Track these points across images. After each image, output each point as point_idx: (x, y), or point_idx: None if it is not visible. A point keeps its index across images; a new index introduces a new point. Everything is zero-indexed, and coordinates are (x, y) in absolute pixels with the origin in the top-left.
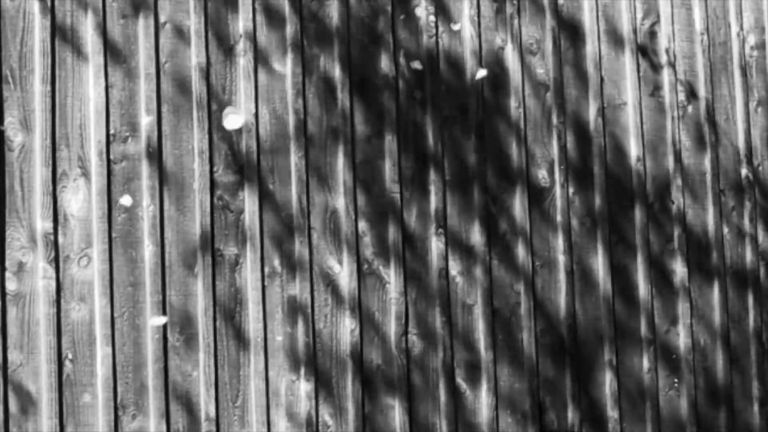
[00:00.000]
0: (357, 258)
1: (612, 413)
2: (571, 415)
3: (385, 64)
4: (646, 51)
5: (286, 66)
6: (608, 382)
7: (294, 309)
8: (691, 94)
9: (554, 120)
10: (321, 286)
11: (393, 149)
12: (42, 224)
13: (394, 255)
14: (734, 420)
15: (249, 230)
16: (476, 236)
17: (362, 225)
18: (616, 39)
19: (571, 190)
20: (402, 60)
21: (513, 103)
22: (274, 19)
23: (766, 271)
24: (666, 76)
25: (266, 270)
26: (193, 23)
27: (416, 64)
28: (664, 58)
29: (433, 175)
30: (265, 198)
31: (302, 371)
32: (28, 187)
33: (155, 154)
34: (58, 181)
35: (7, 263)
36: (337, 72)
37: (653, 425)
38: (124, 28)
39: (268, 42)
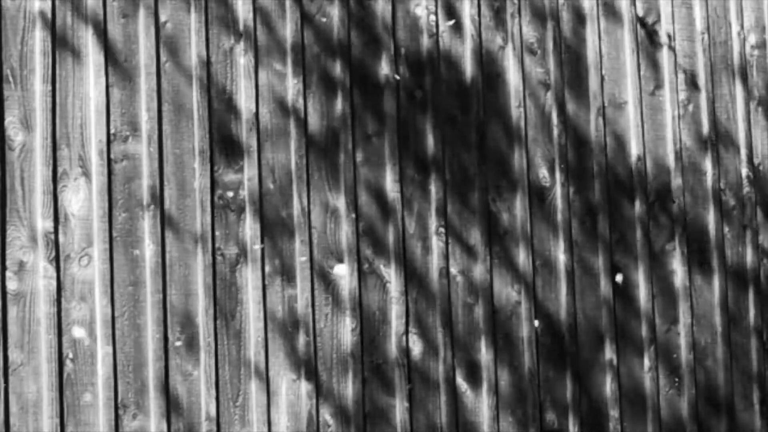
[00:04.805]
0: (357, 257)
1: (612, 413)
2: (572, 415)
3: (385, 63)
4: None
5: (286, 65)
6: (608, 382)
7: (294, 308)
8: (692, 93)
9: (554, 120)
10: (321, 286)
11: (393, 149)
12: (43, 223)
13: (395, 254)
14: (734, 420)
15: (249, 230)
16: (476, 236)
17: (362, 224)
18: (616, 38)
19: (571, 190)
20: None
21: (513, 102)
22: (275, 18)
23: (766, 271)
24: (666, 75)
25: (266, 269)
26: (194, 23)
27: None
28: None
29: (433, 175)
30: (266, 197)
31: (303, 371)
32: (29, 187)
33: (156, 154)
34: (59, 181)
35: (8, 262)
36: (337, 71)
37: (653, 425)
38: (125, 27)
39: (268, 41)
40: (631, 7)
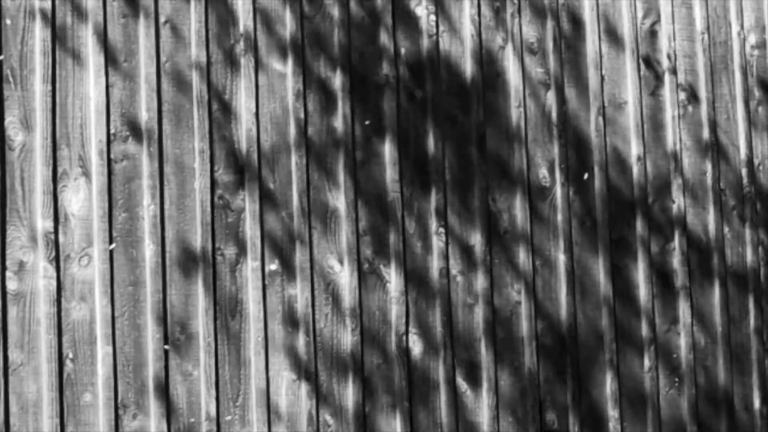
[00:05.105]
0: (357, 257)
1: (612, 413)
2: (571, 415)
3: (385, 63)
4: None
5: (286, 66)
6: (608, 382)
7: (294, 308)
8: (692, 93)
9: (554, 120)
10: (321, 286)
11: (393, 149)
12: (42, 223)
13: (395, 254)
14: (734, 420)
15: (249, 230)
16: (476, 236)
17: (362, 224)
18: (616, 38)
19: (571, 190)
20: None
21: (513, 102)
22: (275, 18)
23: (766, 271)
24: (667, 75)
25: (266, 269)
26: (194, 23)
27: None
28: (665, 64)
29: (433, 175)
30: (266, 197)
31: (303, 371)
32: (29, 187)
33: (156, 154)
34: (59, 181)
35: (8, 262)
36: (337, 71)
37: (653, 425)
38: (125, 27)
39: (268, 42)
40: (631, 8)
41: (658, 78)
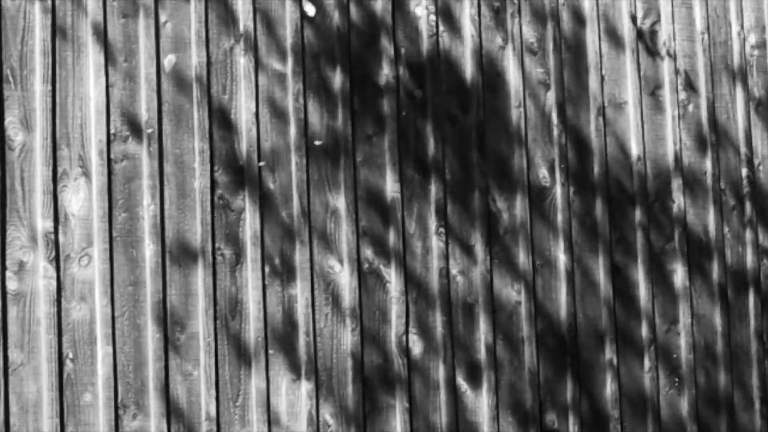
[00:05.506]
0: (357, 257)
1: (612, 413)
2: (571, 415)
3: (385, 63)
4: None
5: (286, 66)
6: (608, 382)
7: (294, 308)
8: (692, 93)
9: (554, 120)
10: (321, 286)
11: (393, 149)
12: (42, 223)
13: (395, 254)
14: (734, 420)
15: (249, 230)
16: (476, 236)
17: (362, 224)
18: (616, 38)
19: (571, 190)
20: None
21: (513, 102)
22: (275, 18)
23: (766, 270)
24: (666, 75)
25: (266, 269)
26: (194, 23)
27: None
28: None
29: (433, 175)
30: (266, 197)
31: (303, 371)
32: (29, 187)
33: (156, 154)
34: (59, 181)
35: (8, 262)
36: (337, 71)
37: (653, 425)
38: (125, 27)
39: (268, 42)
40: (631, 8)
41: (658, 78)
